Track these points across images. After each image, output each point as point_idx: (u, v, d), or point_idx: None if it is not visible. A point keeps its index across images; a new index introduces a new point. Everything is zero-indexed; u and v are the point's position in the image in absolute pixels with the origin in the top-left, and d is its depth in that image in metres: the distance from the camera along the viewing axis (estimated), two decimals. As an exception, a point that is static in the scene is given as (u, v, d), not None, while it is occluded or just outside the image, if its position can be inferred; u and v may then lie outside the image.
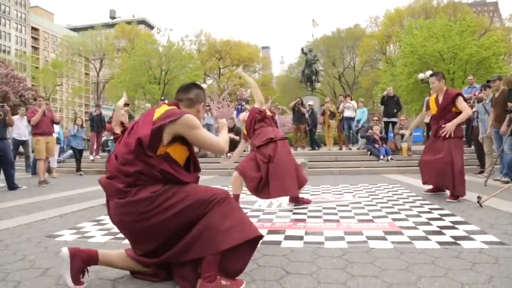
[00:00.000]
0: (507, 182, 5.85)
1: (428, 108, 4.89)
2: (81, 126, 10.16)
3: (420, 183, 5.08)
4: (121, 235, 3.03)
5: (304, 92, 21.66)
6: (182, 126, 1.85)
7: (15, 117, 8.18)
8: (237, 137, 10.21)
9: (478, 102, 7.92)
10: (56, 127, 10.11)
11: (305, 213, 3.89)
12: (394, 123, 10.65)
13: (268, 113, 4.26)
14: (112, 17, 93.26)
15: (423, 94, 15.74)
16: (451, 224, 3.16)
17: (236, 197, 4.03)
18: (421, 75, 18.30)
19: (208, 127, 11.80)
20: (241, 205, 4.12)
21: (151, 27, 78.16)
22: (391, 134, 10.81)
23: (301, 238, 2.87)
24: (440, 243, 2.60)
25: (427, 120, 10.50)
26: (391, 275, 2.00)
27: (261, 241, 1.95)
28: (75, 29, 76.36)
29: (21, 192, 6.46)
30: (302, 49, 24.23)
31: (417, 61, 24.03)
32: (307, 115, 11.69)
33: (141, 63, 31.91)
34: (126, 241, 2.80)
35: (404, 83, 24.76)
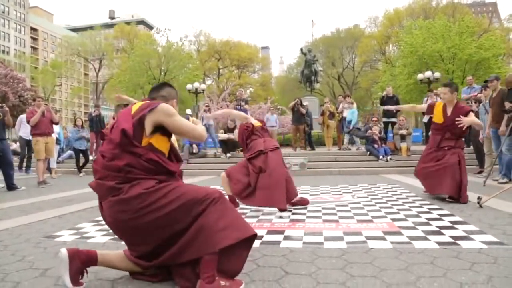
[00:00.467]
0: (505, 183, 5.86)
1: (430, 112, 4.80)
2: (82, 126, 10.14)
3: (419, 183, 5.08)
4: (120, 236, 3.04)
5: (303, 92, 21.67)
6: (161, 114, 1.89)
7: (21, 117, 8.17)
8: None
9: (476, 103, 7.94)
10: (56, 128, 10.10)
11: (304, 214, 3.89)
12: (393, 123, 10.67)
13: (256, 123, 4.19)
14: (111, 18, 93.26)
15: (423, 95, 15.75)
16: (450, 224, 3.17)
17: (232, 198, 4.00)
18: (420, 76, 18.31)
19: (207, 127, 11.80)
20: (240, 205, 4.14)
21: (150, 27, 78.12)
22: (390, 134, 10.82)
23: (300, 238, 2.87)
24: (439, 243, 2.60)
25: (425, 120, 10.52)
26: (390, 275, 2.00)
27: (260, 241, 1.96)
28: (74, 30, 76.36)
29: (20, 192, 6.45)
30: (302, 50, 24.24)
31: (417, 61, 24.05)
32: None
33: (140, 64, 31.88)
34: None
35: (403, 83, 24.79)
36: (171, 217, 1.79)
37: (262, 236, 2.93)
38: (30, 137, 8.83)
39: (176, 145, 10.77)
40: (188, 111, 13.21)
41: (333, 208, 4.17)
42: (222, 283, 1.78)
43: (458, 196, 4.25)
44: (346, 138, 11.52)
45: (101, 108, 11.94)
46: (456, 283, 1.87)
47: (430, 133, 5.03)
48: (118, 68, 42.22)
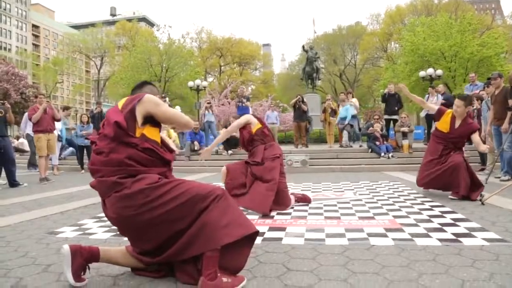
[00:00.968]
0: (507, 180, 5.85)
1: (438, 118, 4.66)
2: (87, 123, 10.13)
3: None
4: (122, 232, 3.05)
5: (305, 89, 21.63)
6: (149, 103, 1.92)
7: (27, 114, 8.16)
8: (237, 135, 10.20)
9: (478, 100, 7.91)
10: (58, 125, 10.11)
11: (306, 210, 3.89)
12: (395, 121, 10.64)
13: (255, 125, 4.09)
14: (113, 15, 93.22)
15: (425, 92, 15.69)
16: (452, 221, 3.16)
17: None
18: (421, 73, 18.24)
19: (209, 124, 11.81)
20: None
21: (151, 24, 78.06)
22: (392, 132, 10.80)
23: (302, 235, 2.87)
24: (441, 240, 2.60)
25: (422, 114, 10.47)
26: (392, 272, 2.00)
27: (262, 238, 1.96)
28: (76, 27, 76.35)
29: (22, 189, 6.47)
30: (303, 47, 24.16)
31: (418, 59, 23.97)
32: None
33: (142, 61, 31.90)
34: (127, 238, 2.81)
35: (405, 81, 24.70)
36: (175, 213, 1.79)
37: (264, 233, 2.93)
38: None
39: (177, 141, 10.76)
40: (178, 108, 13.26)
41: (335, 205, 4.17)
42: (224, 279, 1.79)
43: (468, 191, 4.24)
44: (345, 136, 11.44)
45: (103, 105, 11.93)
46: (458, 280, 1.87)
47: (430, 137, 4.92)
48: (119, 65, 42.26)
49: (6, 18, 64.68)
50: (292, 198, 4.16)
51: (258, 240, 2.54)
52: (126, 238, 2.79)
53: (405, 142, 9.72)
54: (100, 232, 3.11)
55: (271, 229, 3.10)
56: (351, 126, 10.93)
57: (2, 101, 7.31)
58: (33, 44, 71.65)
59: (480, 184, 4.28)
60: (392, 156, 9.36)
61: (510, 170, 6.05)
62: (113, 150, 1.84)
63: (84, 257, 1.89)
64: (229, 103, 21.14)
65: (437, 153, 4.55)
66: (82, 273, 1.90)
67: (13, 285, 1.95)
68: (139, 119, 1.89)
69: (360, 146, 10.98)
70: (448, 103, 10.34)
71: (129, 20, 55.70)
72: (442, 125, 4.58)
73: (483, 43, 22.22)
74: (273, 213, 3.76)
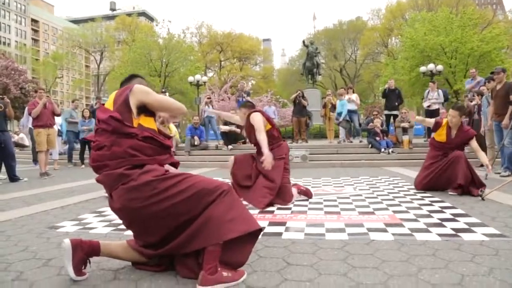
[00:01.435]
0: (507, 176, 5.85)
1: (436, 129, 4.68)
2: (89, 117, 10.10)
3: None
4: (122, 226, 3.05)
5: (305, 85, 21.58)
6: (139, 93, 1.92)
7: (27, 108, 8.15)
8: (238, 130, 10.20)
9: (478, 96, 7.90)
10: (58, 120, 10.09)
11: (306, 205, 3.90)
12: (395, 116, 10.63)
13: (266, 127, 4.01)
14: (112, 9, 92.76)
15: (425, 88, 15.65)
16: (451, 217, 3.17)
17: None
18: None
19: (209, 119, 11.81)
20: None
21: (151, 19, 77.78)
22: (392, 127, 10.79)
23: (302, 230, 2.88)
24: (440, 235, 2.60)
25: (426, 105, 10.44)
26: (391, 267, 2.01)
27: (262, 232, 1.97)
28: (75, 21, 76.08)
29: (22, 184, 6.48)
30: (304, 42, 24.09)
31: (419, 55, 23.87)
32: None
33: (142, 56, 31.77)
34: (128, 232, 2.82)
35: (406, 77, 24.64)
36: (181, 206, 1.79)
37: (264, 228, 2.92)
38: None
39: (177, 136, 10.73)
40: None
41: (335, 200, 4.17)
42: (224, 273, 1.79)
43: (468, 185, 4.24)
44: (341, 132, 11.34)
45: (103, 100, 11.90)
46: (457, 274, 1.87)
47: (429, 145, 4.89)
48: (119, 60, 42.12)
49: (5, 13, 64.42)
50: (295, 190, 4.17)
51: (258, 234, 2.55)
52: (126, 233, 2.81)
53: (405, 138, 9.73)
54: (101, 227, 3.12)
55: (271, 224, 3.11)
56: (347, 121, 10.86)
57: (1, 96, 7.29)
58: (33, 38, 71.41)
59: (482, 184, 4.28)
60: (392, 152, 9.37)
61: (511, 166, 6.05)
62: (114, 143, 1.84)
63: (84, 251, 1.89)
64: (229, 98, 21.09)
65: (437, 158, 4.62)
66: (82, 267, 1.91)
67: (13, 279, 1.96)
68: (134, 110, 1.90)
69: (360, 141, 10.97)
70: (444, 98, 10.34)
71: (129, 14, 55.42)
72: (439, 136, 4.64)
73: (483, 38, 22.11)
74: (273, 208, 3.76)
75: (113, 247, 2.01)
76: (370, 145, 9.81)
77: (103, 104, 2.03)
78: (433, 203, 3.81)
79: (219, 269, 1.78)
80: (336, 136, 12.35)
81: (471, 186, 4.25)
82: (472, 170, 4.33)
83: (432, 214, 3.29)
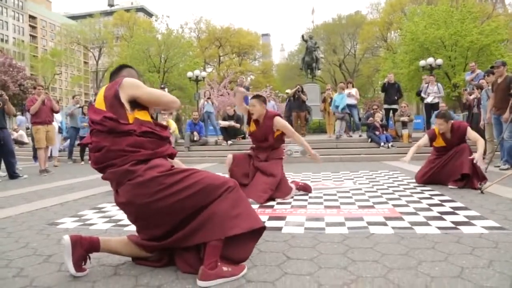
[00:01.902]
0: (507, 169, 5.86)
1: (433, 140, 4.71)
2: None
3: (420, 170, 5.07)
4: (122, 222, 3.06)
5: (304, 79, 21.54)
6: (129, 87, 1.89)
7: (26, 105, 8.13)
8: (237, 125, 10.19)
9: (478, 89, 7.88)
10: (58, 116, 10.07)
11: (305, 200, 3.90)
12: (395, 110, 10.61)
13: (278, 132, 4.15)
14: (111, 5, 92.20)
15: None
16: (451, 210, 3.17)
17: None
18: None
19: (208, 114, 11.79)
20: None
21: (150, 14, 77.35)
22: (391, 122, 10.78)
23: (302, 224, 2.88)
24: (440, 228, 2.61)
25: (424, 95, 10.39)
26: (391, 260, 2.01)
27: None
28: (73, 17, 75.81)
29: (22, 181, 6.48)
30: (303, 36, 24.02)
31: (418, 49, 23.80)
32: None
33: (140, 51, 31.68)
34: (128, 228, 2.83)
35: (405, 71, 24.59)
36: (188, 202, 1.79)
37: (264, 222, 2.93)
38: None
39: (177, 132, 10.73)
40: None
41: (335, 194, 4.18)
42: (224, 268, 1.79)
43: (471, 173, 4.25)
44: (337, 126, 11.00)
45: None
46: (457, 267, 1.88)
47: (432, 149, 4.90)
48: (118, 56, 42.01)
49: (3, 9, 64.07)
50: (293, 186, 4.18)
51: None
52: (126, 229, 2.82)
53: (405, 132, 9.73)
54: (100, 223, 3.12)
55: (271, 218, 3.11)
56: (347, 114, 10.78)
57: (0, 93, 7.26)
58: (31, 35, 71.08)
59: (484, 177, 4.28)
60: (392, 146, 9.37)
61: (510, 159, 6.05)
62: (113, 143, 1.82)
63: (84, 248, 1.89)
64: (228, 94, 21.07)
65: (442, 151, 4.65)
66: (83, 263, 1.91)
67: (14, 275, 1.96)
68: (126, 105, 1.87)
69: (360, 136, 10.96)
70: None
71: (127, 10, 55.18)
72: (438, 144, 4.69)
73: (482, 31, 22.02)
74: (273, 203, 3.77)
75: (113, 243, 2.00)
76: (369, 140, 9.81)
77: (91, 105, 1.99)
78: (433, 197, 3.82)
79: (219, 264, 1.78)
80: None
81: (473, 178, 4.25)
82: (475, 165, 4.32)
83: (432, 208, 3.29)
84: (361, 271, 1.88)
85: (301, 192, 4.29)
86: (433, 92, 10.26)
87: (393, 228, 2.66)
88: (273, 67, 56.29)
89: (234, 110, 10.44)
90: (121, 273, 1.94)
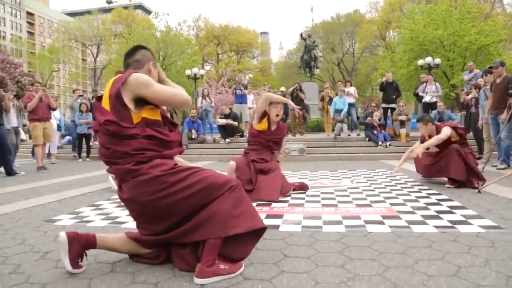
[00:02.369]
0: (504, 169, 5.88)
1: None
2: (86, 111, 9.98)
3: (418, 169, 5.08)
4: (119, 220, 3.06)
5: (303, 78, 21.53)
6: (134, 86, 1.80)
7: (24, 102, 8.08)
8: (235, 123, 10.19)
9: (476, 89, 7.90)
10: (57, 113, 10.02)
11: (303, 198, 3.90)
12: (393, 109, 10.62)
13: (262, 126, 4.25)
14: (109, 2, 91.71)
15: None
16: (448, 209, 3.18)
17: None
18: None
19: (206, 112, 11.77)
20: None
21: (148, 12, 77.08)
22: (389, 121, 10.78)
23: (299, 222, 2.88)
24: (437, 227, 2.61)
25: (427, 99, 10.38)
26: (388, 258, 2.01)
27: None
28: (71, 14, 75.42)
29: (19, 178, 6.46)
30: (301, 35, 23.97)
31: (417, 48, 23.81)
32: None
33: (138, 49, 31.58)
34: (125, 226, 2.82)
35: (404, 70, 24.60)
36: (190, 200, 1.79)
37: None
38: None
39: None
40: None
41: (332, 193, 4.18)
42: (222, 266, 1.79)
43: (465, 179, 4.26)
44: (337, 129, 10.90)
45: (99, 93, 11.84)
46: (453, 266, 1.88)
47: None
48: (116, 53, 41.77)
49: (0, 5, 63.71)
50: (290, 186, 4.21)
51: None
52: (124, 226, 2.81)
53: (403, 131, 9.73)
54: (98, 220, 3.11)
55: (269, 216, 3.11)
56: (346, 117, 10.76)
57: (-3, 90, 7.22)
58: (28, 31, 70.74)
59: (483, 178, 4.27)
60: (389, 145, 9.38)
61: (507, 159, 6.07)
62: (116, 145, 1.82)
63: (81, 244, 1.89)
64: (226, 92, 21.05)
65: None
66: (79, 260, 1.91)
67: (11, 272, 1.95)
68: (130, 105, 1.81)
69: (358, 134, 10.97)
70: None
71: (126, 7, 55.00)
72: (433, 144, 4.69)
73: (481, 31, 22.04)
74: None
75: (110, 240, 2.00)
76: (367, 138, 9.82)
77: (100, 98, 1.92)
78: (430, 196, 3.83)
79: (216, 261, 1.78)
80: (333, 129, 12.32)
81: (472, 177, 4.26)
82: (470, 163, 4.32)
83: (429, 207, 3.30)
84: (358, 269, 1.88)
85: (299, 191, 4.29)
86: (431, 91, 10.27)
87: (390, 226, 2.66)
88: (271, 65, 56.23)
89: (230, 109, 10.46)
90: (118, 270, 1.94)
